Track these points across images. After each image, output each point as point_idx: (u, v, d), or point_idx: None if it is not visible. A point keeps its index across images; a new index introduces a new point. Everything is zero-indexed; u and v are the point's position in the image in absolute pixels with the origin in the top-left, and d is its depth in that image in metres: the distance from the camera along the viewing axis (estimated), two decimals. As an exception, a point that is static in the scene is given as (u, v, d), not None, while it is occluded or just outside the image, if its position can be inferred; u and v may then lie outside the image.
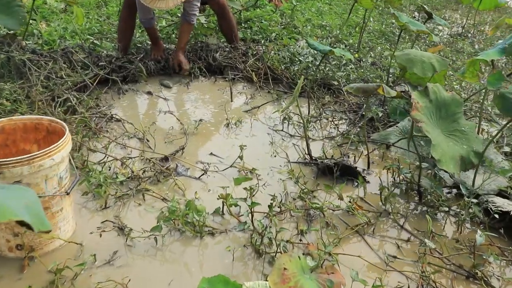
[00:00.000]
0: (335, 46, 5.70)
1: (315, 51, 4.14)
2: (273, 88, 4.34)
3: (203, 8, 5.63)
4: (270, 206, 2.35)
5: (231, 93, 4.08)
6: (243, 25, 5.84)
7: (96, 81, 3.90)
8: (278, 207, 2.53)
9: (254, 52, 4.86)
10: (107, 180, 2.64)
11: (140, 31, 5.10)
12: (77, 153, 2.91)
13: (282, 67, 4.67)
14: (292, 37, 5.67)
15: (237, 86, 4.42)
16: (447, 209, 2.67)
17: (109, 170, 2.84)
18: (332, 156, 3.24)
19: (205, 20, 5.39)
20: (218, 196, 2.37)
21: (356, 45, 5.74)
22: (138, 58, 4.40)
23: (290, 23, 6.23)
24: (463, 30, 7.39)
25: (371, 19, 6.53)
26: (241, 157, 3.00)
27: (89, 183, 2.59)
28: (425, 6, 5.15)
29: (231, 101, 4.08)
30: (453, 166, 2.38)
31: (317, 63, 4.65)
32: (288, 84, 4.48)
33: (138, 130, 3.32)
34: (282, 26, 6.00)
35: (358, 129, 3.71)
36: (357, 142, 3.43)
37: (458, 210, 2.65)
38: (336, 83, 4.49)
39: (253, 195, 2.33)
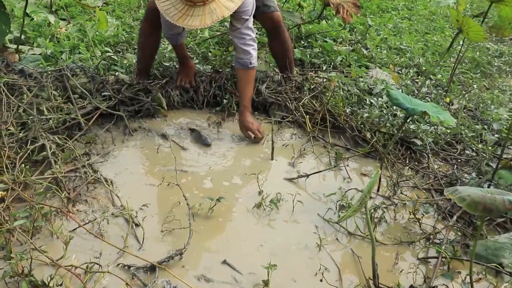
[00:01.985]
0: (416, 80, 4.44)
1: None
2: (331, 144, 3.17)
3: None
4: None
5: (273, 147, 2.96)
6: (302, 42, 4.70)
7: (94, 118, 2.91)
8: None
9: (312, 87, 3.70)
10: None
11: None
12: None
13: (347, 110, 3.48)
14: (363, 65, 4.45)
15: (284, 134, 3.30)
16: None
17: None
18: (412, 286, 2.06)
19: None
20: None
21: (445, 81, 4.44)
22: (159, 85, 3.37)
23: (361, 41, 5.02)
24: None
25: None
26: (267, 283, 1.90)
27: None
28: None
29: (271, 158, 2.96)
30: None
31: (394, 109, 3.44)
32: (353, 137, 3.30)
33: (125, 210, 2.28)
34: (351, 48, 4.78)
35: (451, 225, 2.49)
36: (449, 259, 2.22)
37: None
38: (419, 142, 3.25)
39: None
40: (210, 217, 2.36)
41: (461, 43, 4.66)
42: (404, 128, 3.18)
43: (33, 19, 4.31)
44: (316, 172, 2.80)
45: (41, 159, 2.53)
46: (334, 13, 4.74)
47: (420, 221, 2.51)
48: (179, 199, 2.42)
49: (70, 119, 2.78)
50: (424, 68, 4.69)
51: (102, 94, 3.08)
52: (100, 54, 3.79)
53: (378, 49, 4.91)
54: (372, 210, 2.47)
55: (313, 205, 2.59)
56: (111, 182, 2.53)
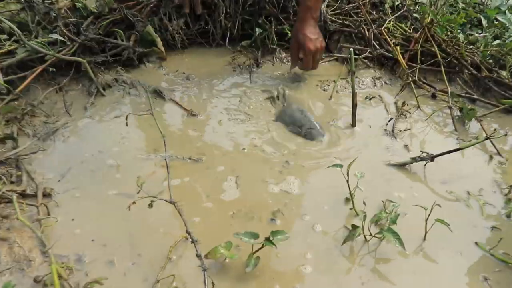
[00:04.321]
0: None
1: None
2: (451, 93, 1.80)
3: None
4: None
5: (355, 104, 1.61)
6: None
7: (29, 81, 1.62)
8: None
9: (397, 2, 2.29)
10: None
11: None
12: None
13: (461, 37, 2.08)
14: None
15: (361, 78, 1.94)
16: None
17: None
18: None
19: None
20: None
21: None
22: (148, 10, 2.03)
23: None
24: None
25: None
26: None
27: None
28: None
29: (353, 124, 1.62)
30: None
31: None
32: (475, 80, 1.93)
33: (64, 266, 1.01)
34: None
35: None
36: None
37: None
38: None
39: None
40: (247, 277, 1.07)
41: None
42: None
43: None
44: (448, 152, 1.43)
45: None
46: None
47: None
48: (181, 231, 1.13)
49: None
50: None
51: (50, 35, 1.76)
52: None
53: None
54: None
55: (459, 219, 1.27)
56: (49, 193, 1.26)
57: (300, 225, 1.23)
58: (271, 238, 1.05)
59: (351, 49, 1.63)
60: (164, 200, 1.08)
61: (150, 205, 1.06)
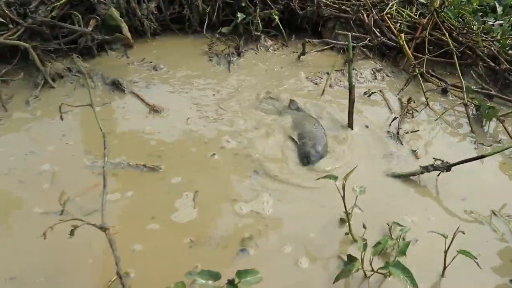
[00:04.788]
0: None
1: None
2: (467, 88, 1.51)
3: None
4: None
5: (352, 104, 1.32)
6: None
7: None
8: None
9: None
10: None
11: None
12: None
13: (475, 25, 1.80)
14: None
15: (359, 70, 1.66)
16: None
17: None
18: None
19: None
20: None
21: None
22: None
23: None
24: None
25: None
26: None
27: None
28: None
29: (350, 126, 1.33)
30: None
31: None
32: (491, 74, 1.65)
33: None
34: None
35: None
36: None
37: None
38: None
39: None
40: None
41: None
42: None
43: None
44: (469, 160, 1.14)
45: None
46: None
47: None
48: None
49: None
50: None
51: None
52: None
53: None
54: None
55: (486, 248, 0.98)
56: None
57: (279, 259, 0.93)
58: (236, 281, 0.76)
59: (349, 34, 1.34)
60: (92, 225, 0.79)
61: (71, 234, 0.77)
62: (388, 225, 0.97)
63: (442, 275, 0.91)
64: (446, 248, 0.88)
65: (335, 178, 0.96)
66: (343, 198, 0.93)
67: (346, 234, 0.97)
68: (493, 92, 1.61)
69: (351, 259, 0.88)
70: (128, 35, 1.76)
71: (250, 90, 1.50)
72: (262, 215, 1.01)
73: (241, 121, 1.33)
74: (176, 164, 1.14)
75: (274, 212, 1.02)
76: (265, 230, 0.98)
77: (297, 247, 0.95)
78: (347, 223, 0.96)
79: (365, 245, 0.88)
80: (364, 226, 0.95)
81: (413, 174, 1.16)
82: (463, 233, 0.88)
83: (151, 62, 1.63)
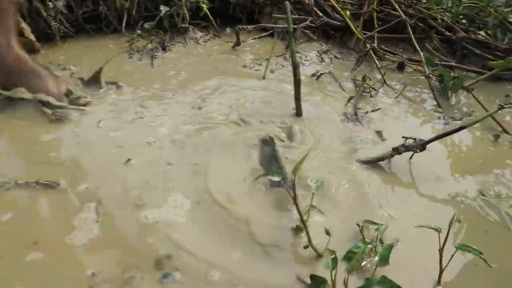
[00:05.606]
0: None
1: None
2: (411, 60, 1.34)
3: None
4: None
5: (297, 88, 1.09)
6: None
7: None
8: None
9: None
10: None
11: None
12: None
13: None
14: None
15: (304, 54, 1.46)
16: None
17: None
18: None
19: None
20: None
21: None
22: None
23: None
24: None
25: None
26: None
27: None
28: None
29: (298, 113, 1.10)
30: None
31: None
32: (447, 46, 1.50)
33: None
34: None
35: None
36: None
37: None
38: None
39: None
40: None
41: None
42: None
43: None
44: (447, 134, 0.94)
45: None
46: None
47: None
48: None
49: None
50: None
51: None
52: None
53: None
54: None
55: (484, 238, 0.77)
56: None
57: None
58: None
59: (286, 1, 1.11)
60: None
61: None
62: (359, 225, 0.74)
63: (438, 282, 0.68)
64: (441, 245, 0.65)
65: (279, 172, 0.72)
66: (294, 199, 0.69)
67: (305, 247, 0.72)
68: (453, 64, 1.44)
69: (316, 281, 0.64)
70: (32, 37, 1.48)
71: (177, 86, 1.25)
72: (173, 223, 0.75)
73: (168, 120, 1.08)
74: (83, 174, 0.87)
75: (192, 220, 0.77)
76: (185, 247, 0.72)
77: (225, 269, 0.69)
78: (305, 232, 0.72)
79: (334, 260, 0.64)
80: (327, 233, 0.71)
81: (382, 159, 0.94)
82: (459, 221, 0.66)
83: (59, 65, 1.36)
